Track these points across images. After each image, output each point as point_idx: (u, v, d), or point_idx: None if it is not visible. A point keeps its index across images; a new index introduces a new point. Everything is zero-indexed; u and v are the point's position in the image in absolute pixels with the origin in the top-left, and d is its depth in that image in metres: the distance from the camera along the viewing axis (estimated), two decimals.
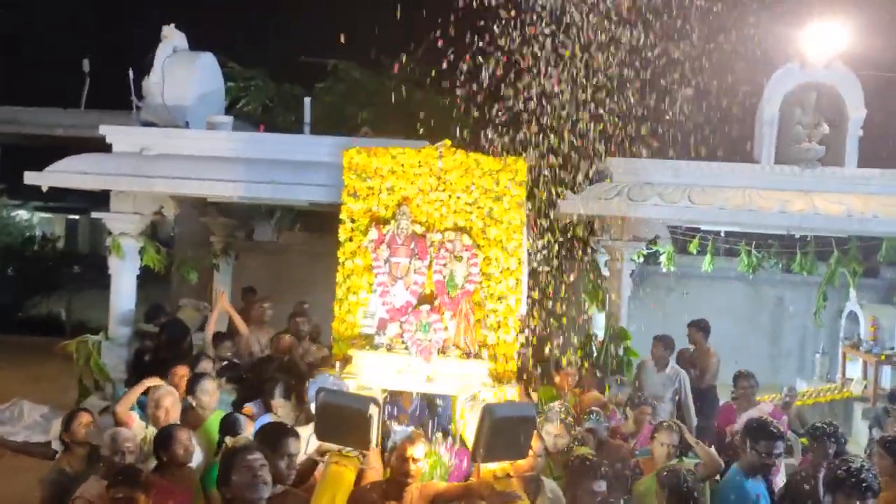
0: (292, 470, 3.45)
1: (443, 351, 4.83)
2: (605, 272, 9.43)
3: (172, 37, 9.55)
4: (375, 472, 4.17)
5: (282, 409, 5.19)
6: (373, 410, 3.34)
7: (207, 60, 9.77)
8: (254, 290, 9.54)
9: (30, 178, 8.01)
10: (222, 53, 14.26)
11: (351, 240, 5.22)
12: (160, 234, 13.81)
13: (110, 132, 8.36)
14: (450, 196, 5.19)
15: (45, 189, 7.97)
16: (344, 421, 3.35)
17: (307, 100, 9.92)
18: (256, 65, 15.21)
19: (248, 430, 4.70)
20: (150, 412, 4.79)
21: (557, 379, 7.19)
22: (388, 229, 5.06)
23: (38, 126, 13.00)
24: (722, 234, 10.96)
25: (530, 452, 3.66)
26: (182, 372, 5.58)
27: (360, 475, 3.51)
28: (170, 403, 4.74)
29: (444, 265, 5.01)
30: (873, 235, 8.69)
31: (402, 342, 4.83)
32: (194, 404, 4.99)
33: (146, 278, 9.70)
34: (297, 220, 13.79)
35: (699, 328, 8.38)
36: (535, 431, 3.87)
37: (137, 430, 4.76)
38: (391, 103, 14.57)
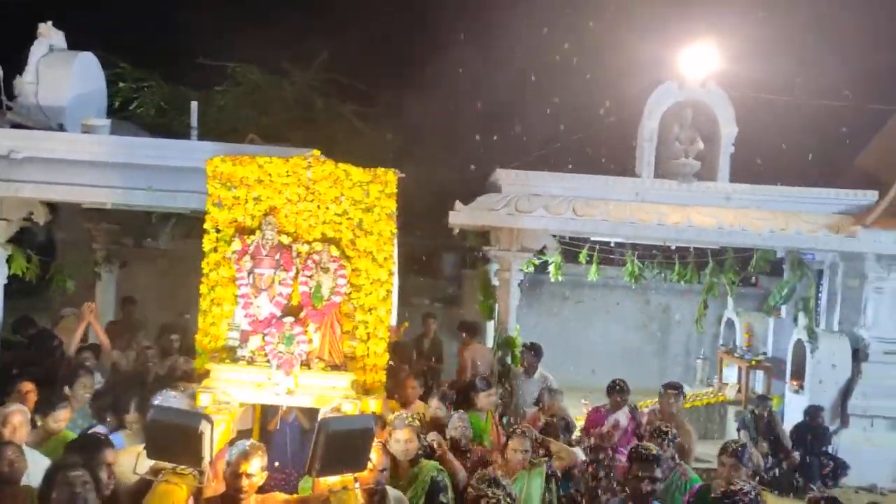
0: (111, 479, 3.33)
1: (306, 364, 4.78)
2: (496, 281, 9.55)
3: (49, 35, 9.11)
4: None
5: (136, 425, 5.02)
6: (204, 427, 3.25)
7: (87, 60, 9.36)
8: (133, 299, 9.20)
9: None
10: (114, 53, 13.80)
11: (216, 250, 5.10)
12: (38, 240, 13.16)
13: None
14: (319, 206, 5.14)
15: None
16: (175, 438, 3.25)
17: (194, 103, 9.63)
18: (151, 66, 14.71)
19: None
20: None
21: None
22: (252, 240, 4.97)
23: None
24: (612, 245, 11.28)
25: (370, 465, 3.65)
26: (28, 388, 5.32)
27: (199, 493, 3.41)
28: (18, 421, 4.48)
29: (310, 276, 4.96)
30: (740, 247, 9.13)
31: (265, 355, 4.75)
32: (39, 423, 4.76)
33: (24, 287, 9.22)
34: (195, 227, 13.40)
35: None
36: (381, 443, 3.86)
37: None
38: (290, 109, 14.44)
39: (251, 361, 4.77)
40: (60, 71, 8.89)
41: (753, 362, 10.46)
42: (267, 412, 5.21)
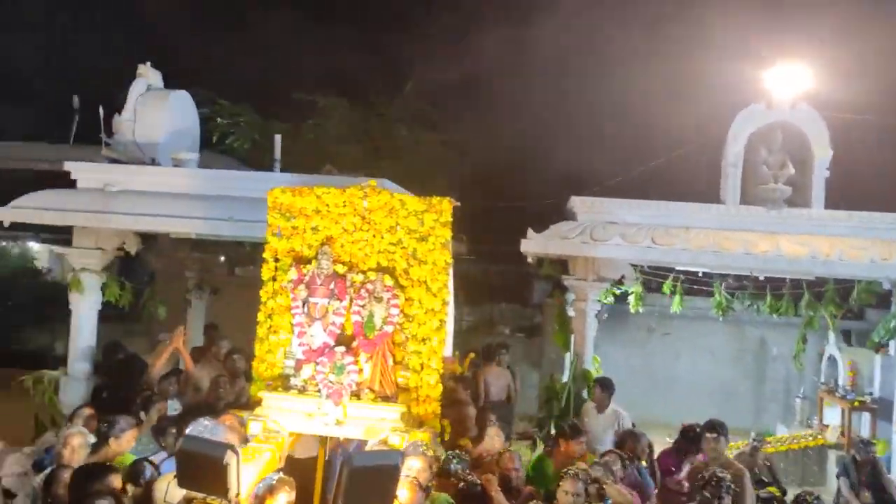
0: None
1: (356, 394, 4.77)
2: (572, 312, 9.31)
3: (147, 74, 9.68)
4: None
5: None
6: (230, 458, 3.27)
7: (181, 98, 9.87)
8: (216, 326, 9.51)
9: None
10: (211, 90, 14.53)
11: (274, 279, 5.20)
12: (140, 269, 13.88)
13: (75, 168, 8.43)
14: (374, 236, 5.17)
15: (6, 224, 8.02)
16: (203, 468, 3.28)
17: (277, 137, 9.97)
18: (246, 102, 15.39)
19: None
20: (57, 450, 4.73)
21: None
22: (308, 269, 5.03)
23: (26, 160, 13.16)
24: (700, 274, 10.81)
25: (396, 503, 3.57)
26: (88, 412, 5.56)
27: None
28: (77, 444, 4.67)
29: (363, 306, 4.97)
30: (839, 278, 8.53)
31: (316, 384, 4.77)
32: (104, 447, 4.92)
33: (120, 314, 9.71)
34: None
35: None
36: (416, 481, 3.76)
37: None
38: (376, 140, 14.76)
39: (302, 390, 4.80)
40: (156, 109, 9.39)
41: (857, 403, 9.70)
42: (332, 441, 5.22)
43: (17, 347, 15.82)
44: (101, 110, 9.22)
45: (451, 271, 5.21)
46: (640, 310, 10.18)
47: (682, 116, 8.80)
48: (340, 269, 5.08)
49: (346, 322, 5.00)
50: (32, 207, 8.07)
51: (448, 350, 5.27)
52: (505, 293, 16.29)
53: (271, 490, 3.38)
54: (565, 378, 8.89)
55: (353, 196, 5.16)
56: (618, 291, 9.78)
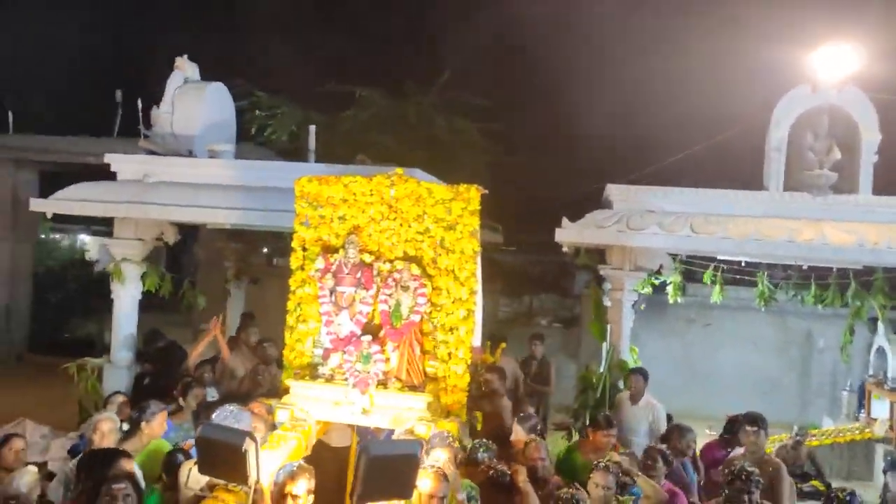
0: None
1: (383, 383, 4.74)
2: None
3: (184, 67, 9.79)
4: None
5: None
6: (248, 445, 3.27)
7: (217, 90, 9.97)
8: (252, 315, 9.61)
9: (35, 205, 8.29)
10: (250, 82, 14.66)
11: (302, 268, 5.21)
12: (184, 260, 14.12)
13: (115, 160, 8.59)
14: (401, 225, 5.13)
15: (49, 216, 8.19)
16: (222, 455, 3.29)
17: (311, 127, 10.02)
18: (284, 94, 15.49)
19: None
20: (88, 436, 4.81)
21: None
22: (335, 258, 5.02)
23: (71, 154, 13.45)
24: (742, 264, 10.55)
25: (428, 492, 3.53)
26: (121, 399, 5.64)
27: None
28: (107, 429, 4.73)
29: (390, 295, 4.94)
30: (888, 267, 8.22)
31: (344, 373, 4.76)
32: (137, 432, 4.97)
33: (162, 303, 9.88)
34: None
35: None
36: (440, 470, 3.70)
37: None
38: (413, 130, 14.71)
39: (330, 379, 4.80)
40: (193, 101, 9.50)
41: None
42: (365, 430, 5.22)
43: (67, 336, 16.29)
44: (139, 103, 9.37)
45: (478, 260, 5.13)
46: (680, 300, 9.98)
47: (724, 101, 8.55)
48: (367, 258, 5.05)
49: (372, 311, 4.97)
50: (73, 199, 8.25)
51: (477, 340, 5.20)
52: (545, 284, 16.16)
53: (292, 476, 3.38)
54: (602, 369, 8.75)
55: (379, 185, 5.12)
56: (656, 281, 9.59)
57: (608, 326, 8.90)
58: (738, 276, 10.17)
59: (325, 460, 4.95)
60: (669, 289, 9.33)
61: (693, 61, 8.09)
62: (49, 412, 9.28)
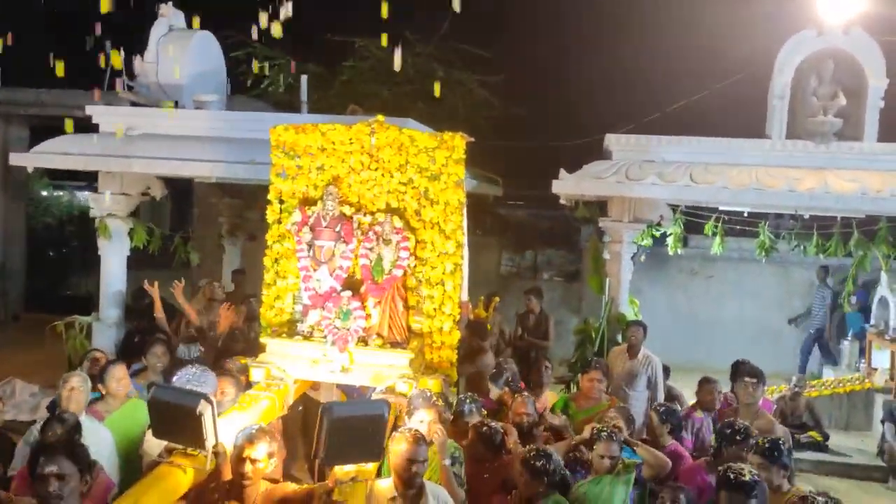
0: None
1: (363, 340, 4.58)
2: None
3: (168, 15, 9.46)
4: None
5: None
6: (203, 408, 3.11)
7: (205, 39, 9.64)
8: (242, 271, 9.46)
9: (14, 159, 8.09)
10: (244, 32, 14.25)
11: (279, 222, 5.01)
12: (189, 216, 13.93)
13: (96, 112, 8.35)
14: (383, 175, 4.91)
15: (30, 170, 8.00)
16: (176, 418, 3.14)
17: (303, 77, 9.69)
18: (281, 45, 15.05)
19: None
20: (58, 393, 4.63)
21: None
22: (313, 211, 4.81)
23: (61, 107, 13.14)
24: (745, 215, 10.32)
25: (394, 458, 3.37)
26: (98, 355, 5.49)
27: (213, 475, 3.29)
28: (76, 383, 4.51)
29: (371, 249, 4.75)
30: (892, 216, 7.98)
31: (322, 330, 4.60)
32: (104, 392, 4.84)
33: (153, 259, 9.73)
34: None
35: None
36: (413, 434, 3.52)
37: None
38: (412, 82, 14.34)
39: (308, 336, 4.64)
40: (178, 50, 9.17)
41: None
42: (351, 388, 5.08)
43: (67, 294, 16.21)
44: (121, 52, 9.06)
45: (465, 211, 4.92)
46: (681, 252, 9.79)
47: (725, 46, 8.21)
48: (347, 210, 4.85)
49: (353, 266, 4.79)
50: (55, 153, 8.03)
51: (464, 294, 5.02)
52: (549, 238, 15.94)
53: (250, 440, 3.22)
54: (600, 322, 8.61)
55: (359, 133, 4.89)
56: (657, 233, 9.39)
57: (607, 279, 8.74)
58: (740, 228, 9.95)
59: (313, 415, 4.82)
60: (669, 240, 9.13)
61: (695, 5, 7.72)
62: (41, 371, 9.23)
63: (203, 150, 7.82)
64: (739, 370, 5.67)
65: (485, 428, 4.45)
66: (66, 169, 8.58)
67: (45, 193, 18.27)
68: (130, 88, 8.95)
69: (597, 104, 10.60)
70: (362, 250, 4.75)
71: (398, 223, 4.77)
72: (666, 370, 7.66)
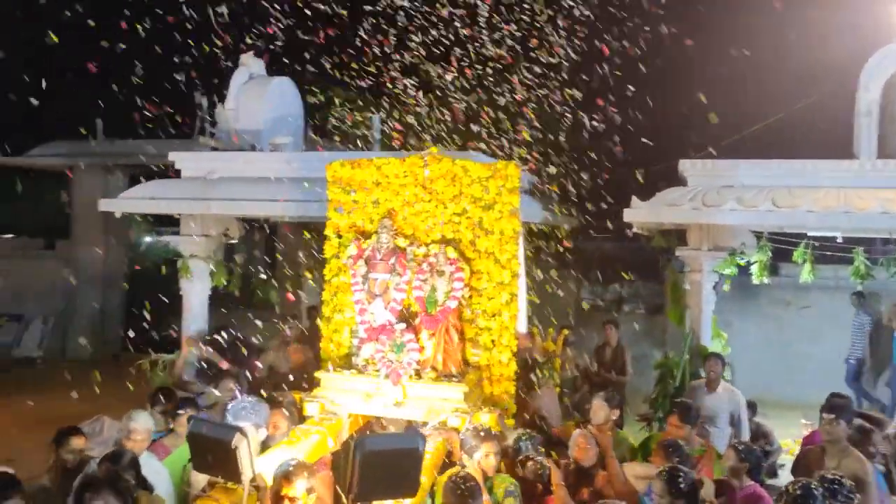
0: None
1: (418, 373, 4.51)
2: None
3: (249, 63, 9.87)
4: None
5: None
6: (238, 441, 3.09)
7: (282, 84, 10.01)
8: (317, 308, 9.56)
9: (103, 205, 8.52)
10: (324, 79, 14.73)
11: (337, 256, 5.04)
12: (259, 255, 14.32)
13: (178, 158, 8.72)
14: (436, 206, 4.88)
15: (118, 215, 8.41)
16: (213, 452, 3.12)
17: (375, 117, 9.91)
18: (359, 87, 15.46)
19: None
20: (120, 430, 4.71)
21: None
22: (368, 244, 4.82)
23: (157, 157, 13.86)
24: (839, 240, 9.73)
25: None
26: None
27: None
28: (136, 427, 4.56)
29: (425, 280, 4.71)
30: None
31: (376, 363, 4.56)
32: (173, 427, 4.87)
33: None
34: None
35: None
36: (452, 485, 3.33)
37: None
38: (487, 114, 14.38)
39: (362, 370, 4.61)
40: (256, 96, 9.56)
41: None
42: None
43: (164, 334, 16.90)
44: (203, 101, 9.50)
45: (520, 241, 4.82)
46: (769, 281, 9.30)
47: (807, 63, 7.82)
48: (402, 242, 4.83)
49: (407, 298, 4.75)
50: (139, 198, 8.41)
51: (522, 325, 4.90)
52: (632, 270, 15.52)
53: (286, 476, 3.17)
54: (682, 356, 8.24)
55: (413, 165, 4.89)
56: (742, 262, 8.96)
57: (687, 311, 8.38)
58: (832, 254, 9.39)
59: None
60: (754, 269, 8.69)
61: (771, 22, 7.41)
62: (130, 409, 9.55)
63: (277, 191, 8.02)
64: (823, 406, 5.25)
65: (530, 463, 4.24)
66: (158, 214, 9.02)
67: (148, 239, 19.24)
68: (212, 135, 9.35)
69: (672, 129, 10.29)
70: (416, 282, 4.71)
71: (452, 254, 4.72)
72: (752, 406, 7.24)
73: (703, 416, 6.55)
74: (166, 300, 17.41)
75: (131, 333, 14.92)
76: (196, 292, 8.75)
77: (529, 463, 4.14)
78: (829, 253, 9.09)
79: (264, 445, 4.05)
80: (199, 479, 3.58)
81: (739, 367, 10.21)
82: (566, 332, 7.64)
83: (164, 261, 19.38)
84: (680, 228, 8.63)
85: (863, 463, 4.79)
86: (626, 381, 8.41)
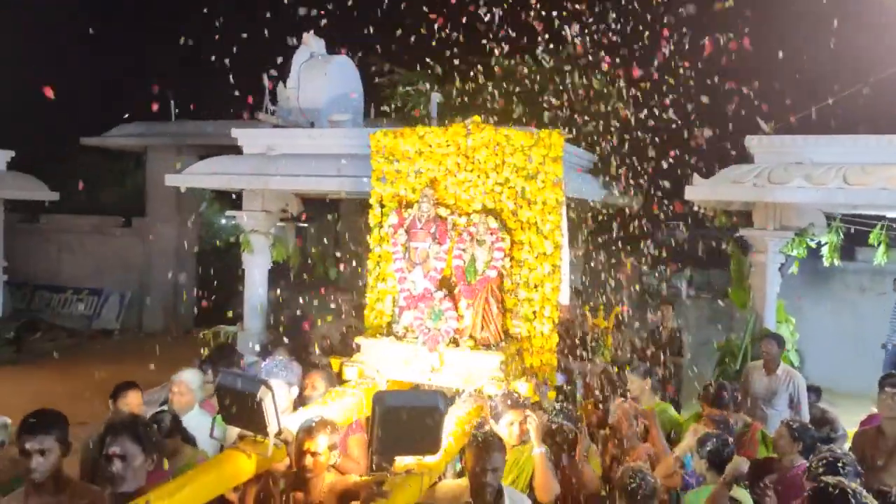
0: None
1: (455, 342, 4.50)
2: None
3: (310, 43, 9.99)
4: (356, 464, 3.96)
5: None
6: (263, 394, 3.13)
7: (342, 63, 10.10)
8: None
9: (169, 180, 8.80)
10: (389, 60, 14.81)
11: (381, 226, 5.05)
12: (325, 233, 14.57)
13: (241, 135, 8.92)
14: (479, 176, 4.83)
15: (183, 190, 8.65)
16: (241, 405, 3.18)
17: (434, 94, 9.90)
18: (423, 68, 15.47)
19: None
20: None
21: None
22: (409, 213, 4.81)
23: (222, 137, 14.23)
24: None
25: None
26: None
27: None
28: (182, 386, 4.69)
29: (465, 250, 4.67)
30: None
31: (415, 331, 4.57)
32: None
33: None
34: None
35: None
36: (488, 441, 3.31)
37: None
38: (558, 96, 14.18)
39: (401, 337, 4.62)
40: (317, 75, 9.66)
41: None
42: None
43: (233, 310, 17.42)
44: (266, 79, 9.66)
45: (563, 211, 4.73)
46: (839, 264, 8.91)
47: (883, 33, 7.39)
48: (444, 212, 4.80)
49: (447, 267, 4.73)
50: (202, 173, 8.65)
51: (565, 297, 4.81)
52: (708, 259, 15.11)
53: (309, 432, 3.20)
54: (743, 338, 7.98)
55: (455, 134, 4.85)
56: (812, 244, 8.60)
57: (751, 293, 8.10)
58: None
59: None
60: (825, 250, 8.32)
61: None
62: None
63: (334, 167, 8.11)
64: (883, 381, 4.98)
65: (553, 425, 4.16)
66: (227, 192, 9.24)
67: (224, 222, 19.84)
68: (273, 113, 9.51)
69: (740, 104, 9.88)
70: (456, 251, 4.69)
71: (493, 224, 4.66)
72: (817, 391, 6.94)
73: (757, 397, 6.36)
74: (233, 277, 17.98)
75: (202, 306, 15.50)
76: (257, 266, 8.95)
77: (553, 425, 4.06)
78: None
79: (300, 404, 4.12)
80: (232, 432, 3.66)
81: (809, 355, 9.82)
82: (618, 309, 7.48)
83: (234, 241, 20.00)
84: (747, 210, 8.34)
85: None
86: (682, 362, 8.20)
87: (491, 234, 4.63)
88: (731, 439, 4.22)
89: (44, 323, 14.54)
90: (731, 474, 3.75)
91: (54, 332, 14.35)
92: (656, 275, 14.37)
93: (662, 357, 8.20)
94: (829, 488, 2.70)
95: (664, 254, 14.84)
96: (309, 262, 9.83)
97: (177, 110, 14.98)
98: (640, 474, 3.57)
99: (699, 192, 7.71)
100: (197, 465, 3.67)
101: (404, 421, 3.04)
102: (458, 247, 4.68)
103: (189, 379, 4.62)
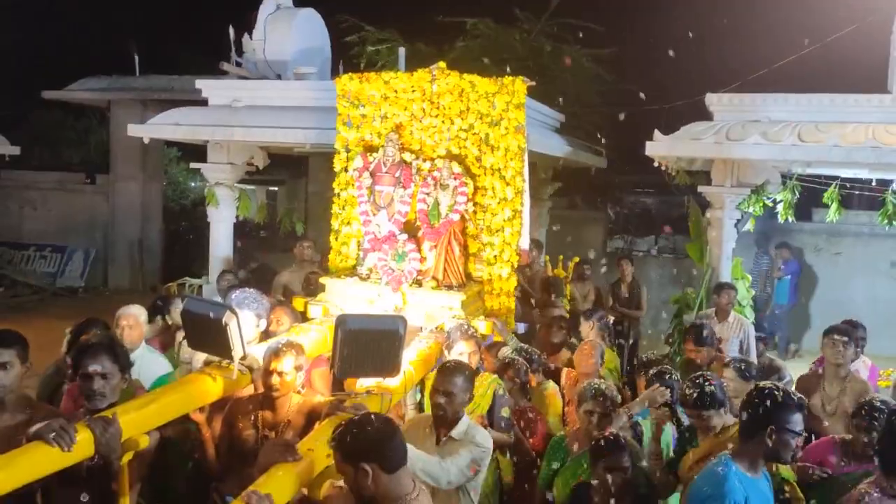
0: None
1: (418, 282, 4.62)
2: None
3: None
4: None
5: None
6: (228, 318, 3.22)
7: (309, 16, 10.00)
8: None
9: (132, 130, 8.73)
10: (357, 16, 14.68)
11: (346, 170, 5.13)
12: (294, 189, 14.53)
13: (205, 87, 8.84)
14: (443, 122, 4.92)
15: (146, 140, 8.59)
16: (206, 330, 3.28)
17: (401, 50, 9.83)
18: (393, 26, 15.38)
19: None
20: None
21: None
22: (374, 157, 4.90)
23: (189, 92, 14.04)
24: (873, 183, 9.49)
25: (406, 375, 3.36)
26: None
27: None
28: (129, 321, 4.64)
29: (428, 194, 4.78)
30: None
31: (378, 272, 4.68)
32: (170, 324, 5.05)
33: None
34: None
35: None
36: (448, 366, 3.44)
37: None
38: (522, 59, 14.23)
39: (365, 277, 4.73)
40: (284, 27, 9.57)
41: None
42: None
43: (197, 268, 17.36)
44: (231, 30, 9.56)
45: (525, 158, 4.85)
46: (795, 223, 9.18)
47: None
48: (407, 156, 4.89)
49: (411, 210, 4.84)
50: (166, 124, 8.59)
51: (525, 242, 4.95)
52: (675, 225, 15.40)
53: (276, 353, 3.31)
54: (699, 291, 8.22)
55: (420, 80, 4.92)
56: (768, 201, 8.84)
57: (707, 248, 8.33)
58: (867, 195, 9.19)
59: None
60: (780, 207, 8.56)
61: None
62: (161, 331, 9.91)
63: (299, 119, 8.11)
64: (829, 329, 5.18)
65: (508, 360, 4.32)
66: (190, 144, 9.15)
67: (192, 184, 19.67)
68: (239, 65, 9.44)
69: (699, 64, 10.04)
70: (420, 195, 4.79)
71: (457, 169, 4.77)
72: (765, 341, 7.23)
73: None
74: (200, 236, 17.90)
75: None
76: (223, 220, 8.94)
77: (510, 364, 4.21)
78: (855, 192, 8.90)
79: (266, 339, 4.20)
80: (199, 358, 3.74)
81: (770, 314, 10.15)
82: (577, 259, 7.66)
83: (200, 198, 19.83)
84: (706, 170, 8.52)
85: (869, 387, 4.78)
86: (640, 315, 8.44)
87: (455, 178, 4.74)
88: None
89: (7, 279, 14.35)
90: (646, 398, 3.89)
91: (17, 288, 14.19)
92: (622, 238, 14.66)
93: (619, 308, 8.46)
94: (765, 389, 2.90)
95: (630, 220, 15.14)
96: (277, 221, 9.84)
97: (141, 65, 14.75)
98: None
99: (659, 147, 7.84)
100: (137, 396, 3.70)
101: (365, 344, 3.16)
102: (423, 191, 4.79)
103: (137, 312, 4.59)
